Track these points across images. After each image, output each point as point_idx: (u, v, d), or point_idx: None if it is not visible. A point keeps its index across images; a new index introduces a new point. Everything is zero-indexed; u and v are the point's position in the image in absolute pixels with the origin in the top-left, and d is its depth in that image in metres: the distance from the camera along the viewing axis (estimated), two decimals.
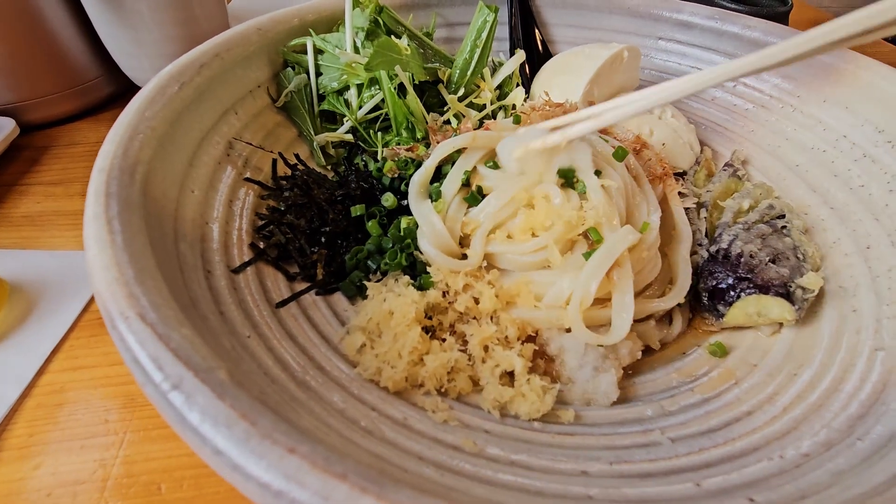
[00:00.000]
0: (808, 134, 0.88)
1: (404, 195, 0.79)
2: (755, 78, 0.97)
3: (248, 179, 0.79)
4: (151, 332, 0.39)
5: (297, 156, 0.89)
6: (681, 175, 0.92)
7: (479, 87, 1.01)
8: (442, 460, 0.49)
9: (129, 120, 0.63)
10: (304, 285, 0.72)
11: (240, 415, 0.34)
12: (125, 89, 1.28)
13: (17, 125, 1.07)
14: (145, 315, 0.40)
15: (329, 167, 0.93)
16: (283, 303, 0.67)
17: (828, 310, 0.69)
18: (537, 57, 1.12)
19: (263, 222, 0.75)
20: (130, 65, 1.17)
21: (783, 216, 0.78)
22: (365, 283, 0.71)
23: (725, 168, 0.91)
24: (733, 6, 1.30)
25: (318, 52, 0.94)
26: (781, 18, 1.29)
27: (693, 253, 0.74)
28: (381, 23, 0.95)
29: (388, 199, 0.78)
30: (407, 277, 0.71)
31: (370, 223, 0.75)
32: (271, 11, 0.96)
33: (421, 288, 0.69)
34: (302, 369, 0.56)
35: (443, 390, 0.61)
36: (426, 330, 0.66)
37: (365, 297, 0.71)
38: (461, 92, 0.97)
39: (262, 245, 0.73)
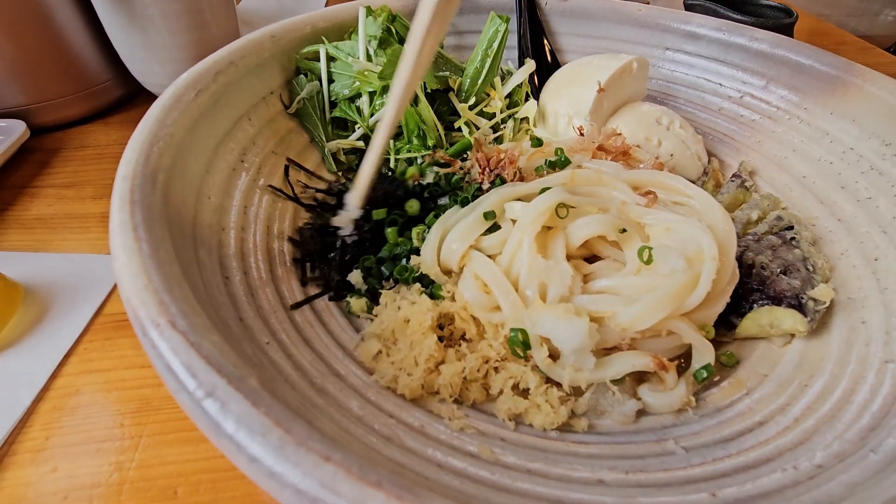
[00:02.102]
0: (815, 146, 0.89)
1: (427, 202, 0.80)
2: (762, 89, 0.99)
3: (272, 188, 0.81)
4: (183, 339, 0.40)
5: (308, 171, 0.90)
6: None
7: (489, 95, 1.02)
8: (461, 468, 0.49)
9: (150, 127, 0.63)
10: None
11: (274, 422, 0.35)
12: (135, 93, 1.29)
13: (27, 128, 1.07)
14: (176, 322, 0.41)
15: (340, 173, 0.94)
16: (298, 305, 0.69)
17: (837, 321, 0.69)
18: (546, 66, 1.13)
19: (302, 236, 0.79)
20: (141, 69, 1.18)
21: (792, 227, 0.79)
22: (379, 290, 0.72)
23: (733, 179, 0.92)
24: (739, 18, 1.32)
25: (330, 59, 0.95)
26: (787, 29, 1.30)
27: None
28: (394, 31, 0.96)
29: (413, 206, 0.78)
30: (418, 285, 0.72)
31: (389, 230, 0.76)
32: (278, 16, 0.96)
33: (433, 296, 0.70)
34: (321, 376, 0.57)
35: (458, 398, 0.62)
36: (440, 339, 0.66)
37: (377, 304, 0.72)
38: (472, 101, 0.98)
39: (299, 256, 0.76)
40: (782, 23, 1.31)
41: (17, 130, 1.05)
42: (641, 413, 0.62)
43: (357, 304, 0.72)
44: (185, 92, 0.71)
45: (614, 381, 0.62)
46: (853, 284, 0.72)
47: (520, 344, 0.61)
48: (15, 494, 0.59)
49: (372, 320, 0.69)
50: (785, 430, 0.57)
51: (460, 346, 0.65)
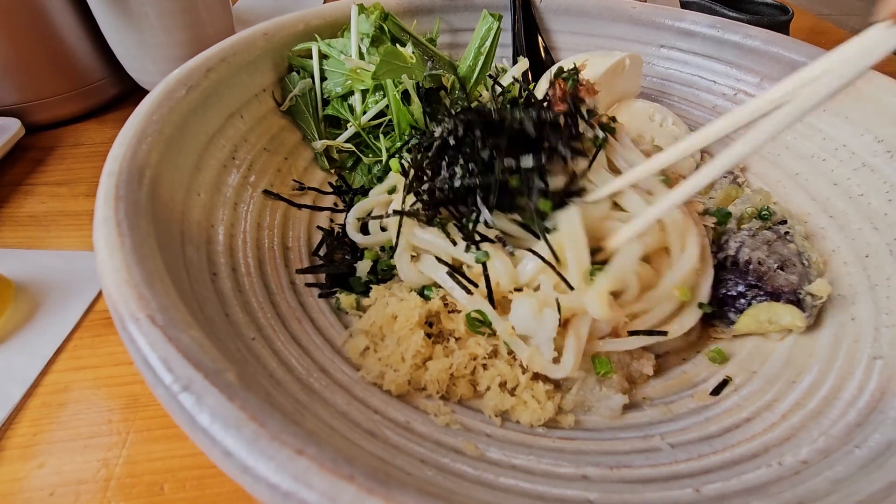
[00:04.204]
0: (808, 143, 0.89)
1: None
2: (756, 87, 0.98)
3: (267, 192, 0.81)
4: (161, 333, 0.40)
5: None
6: None
7: (481, 94, 1.01)
8: (444, 463, 0.49)
9: (138, 124, 0.63)
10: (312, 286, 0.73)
11: (249, 416, 0.35)
12: (130, 91, 1.29)
13: (22, 125, 1.07)
14: (155, 317, 0.41)
15: (333, 171, 0.94)
16: (304, 271, 0.75)
17: (826, 318, 0.69)
18: (540, 63, 1.13)
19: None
20: (136, 67, 1.18)
21: (785, 222, 0.80)
22: (371, 285, 0.72)
23: (725, 175, 0.92)
24: (734, 15, 1.31)
25: (323, 57, 0.95)
26: (782, 27, 1.30)
27: None
28: (386, 29, 0.96)
29: None
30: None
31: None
32: (275, 14, 0.97)
33: (422, 294, 0.70)
34: (306, 372, 0.57)
35: (445, 394, 0.62)
36: (427, 335, 0.66)
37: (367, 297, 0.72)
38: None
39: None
40: (778, 20, 1.30)
41: (12, 128, 1.06)
42: (629, 409, 0.62)
43: (347, 300, 0.72)
44: (175, 88, 0.71)
45: (603, 377, 0.62)
46: (843, 281, 0.72)
47: (475, 323, 0.63)
48: (1, 490, 0.59)
49: (360, 317, 0.69)
50: (772, 426, 0.57)
51: (448, 342, 0.65)
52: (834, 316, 0.69)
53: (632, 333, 0.64)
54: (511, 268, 0.64)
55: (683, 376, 0.67)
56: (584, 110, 0.70)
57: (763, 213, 0.80)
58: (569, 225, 0.61)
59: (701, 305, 0.68)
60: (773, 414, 0.58)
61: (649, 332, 0.64)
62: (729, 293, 0.71)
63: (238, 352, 0.51)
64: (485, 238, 0.64)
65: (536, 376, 0.63)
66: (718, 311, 0.72)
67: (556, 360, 0.60)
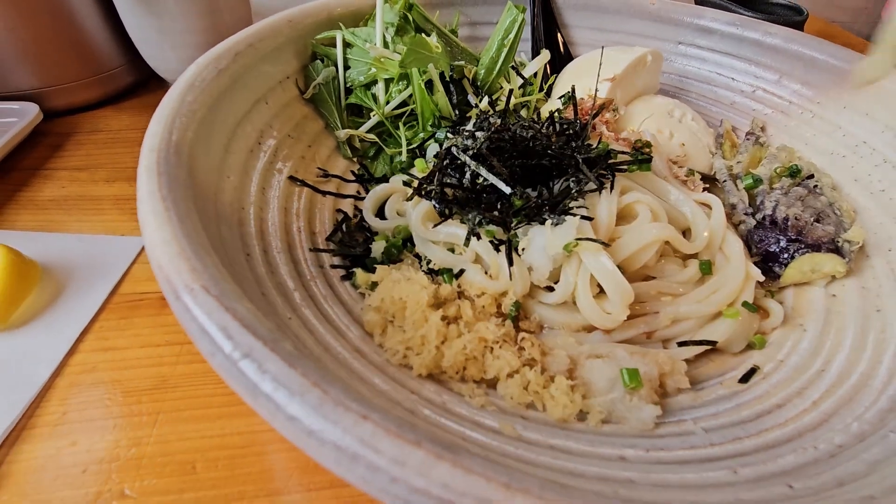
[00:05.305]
0: (828, 139, 0.90)
1: None
2: (775, 84, 0.99)
3: (292, 178, 0.81)
4: (217, 303, 0.40)
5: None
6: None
7: (501, 87, 1.02)
8: (486, 442, 0.50)
9: (172, 103, 0.63)
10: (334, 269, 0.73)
11: (312, 383, 0.35)
12: (147, 79, 1.29)
13: (40, 110, 1.07)
14: (209, 288, 0.41)
15: (355, 160, 0.94)
16: (318, 250, 0.75)
17: (851, 309, 0.70)
18: (558, 58, 1.14)
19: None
20: (153, 54, 1.18)
21: (812, 176, 0.83)
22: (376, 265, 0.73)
23: (748, 137, 0.95)
24: (749, 14, 1.32)
25: (346, 45, 0.95)
26: (797, 27, 1.31)
27: (740, 223, 0.80)
28: (411, 19, 0.96)
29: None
30: (415, 260, 0.74)
31: None
32: (292, 5, 0.97)
33: (431, 272, 0.71)
34: (343, 351, 0.57)
35: (463, 376, 0.62)
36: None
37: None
38: (485, 89, 0.98)
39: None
40: (793, 20, 1.31)
41: (30, 113, 1.06)
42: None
43: (362, 276, 0.72)
44: (206, 70, 0.71)
45: (632, 389, 0.59)
46: (867, 274, 0.73)
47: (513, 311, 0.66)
48: (34, 466, 0.59)
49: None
50: (803, 412, 0.57)
51: (458, 324, 0.64)
52: (859, 308, 0.70)
53: (681, 344, 0.67)
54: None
55: (710, 364, 0.67)
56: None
57: (792, 169, 0.83)
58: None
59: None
60: (803, 401, 0.59)
61: (699, 342, 0.67)
62: (770, 250, 0.75)
63: (279, 329, 0.52)
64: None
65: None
66: (763, 268, 0.76)
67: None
